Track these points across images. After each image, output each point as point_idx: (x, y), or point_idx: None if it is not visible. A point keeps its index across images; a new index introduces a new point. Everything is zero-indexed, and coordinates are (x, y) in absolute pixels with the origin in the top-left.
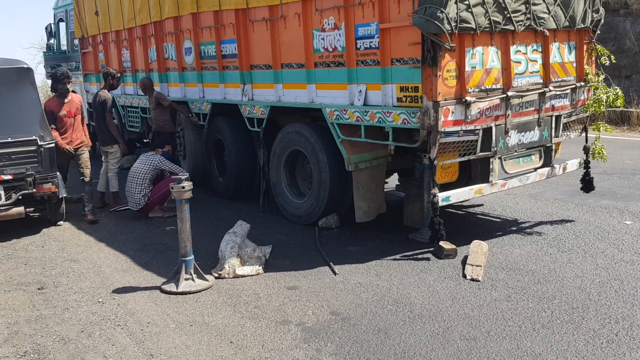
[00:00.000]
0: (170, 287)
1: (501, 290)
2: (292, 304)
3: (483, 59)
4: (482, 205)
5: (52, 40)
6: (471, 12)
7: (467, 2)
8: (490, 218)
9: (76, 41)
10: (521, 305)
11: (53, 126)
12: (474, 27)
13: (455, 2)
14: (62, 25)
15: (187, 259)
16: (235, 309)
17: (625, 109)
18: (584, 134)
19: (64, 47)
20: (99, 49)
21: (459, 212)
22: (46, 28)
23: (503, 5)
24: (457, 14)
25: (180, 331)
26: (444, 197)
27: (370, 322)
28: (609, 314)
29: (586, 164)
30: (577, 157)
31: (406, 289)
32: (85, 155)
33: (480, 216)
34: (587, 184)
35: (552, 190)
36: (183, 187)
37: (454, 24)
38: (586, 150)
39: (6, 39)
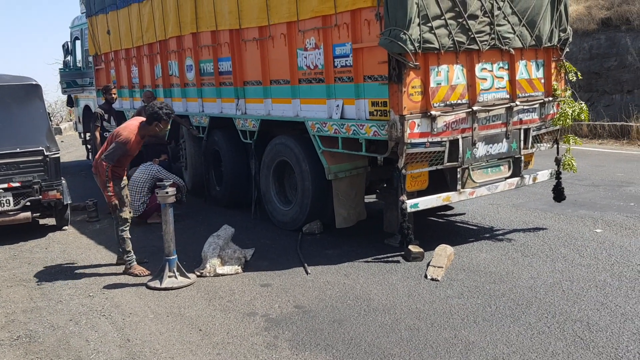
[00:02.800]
0: (155, 283)
1: (456, 288)
2: (262, 299)
3: (448, 76)
4: (464, 214)
5: (68, 58)
6: (434, 34)
7: (430, 24)
8: (468, 226)
9: (90, 58)
10: (470, 302)
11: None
12: (438, 47)
13: (418, 25)
14: (78, 43)
15: (171, 258)
16: (210, 303)
17: (625, 123)
18: (555, 146)
19: (79, 64)
20: (111, 65)
21: (440, 220)
22: (63, 46)
23: (467, 26)
24: (420, 35)
25: (157, 320)
26: (412, 204)
27: (328, 314)
28: (549, 310)
29: (557, 175)
30: (548, 167)
31: (369, 286)
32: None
33: (458, 224)
34: (558, 194)
35: (535, 200)
36: (167, 192)
37: (417, 45)
38: (557, 161)
39: (32, 54)
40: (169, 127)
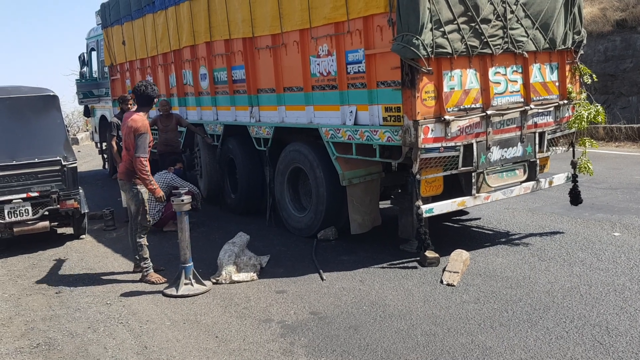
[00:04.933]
0: (171, 291)
1: (472, 293)
2: (278, 306)
3: (461, 80)
4: (479, 218)
5: (84, 69)
6: (447, 38)
7: (442, 29)
8: (483, 230)
9: (106, 69)
10: (486, 307)
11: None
12: (451, 51)
13: (431, 30)
14: (94, 54)
15: (187, 265)
16: (226, 310)
17: None
18: (571, 149)
19: (95, 75)
20: (126, 75)
21: (455, 225)
22: (79, 57)
23: (479, 30)
24: (432, 40)
25: (174, 328)
26: (427, 209)
27: (344, 320)
28: (567, 315)
29: (574, 178)
30: (565, 171)
31: (385, 292)
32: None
33: (474, 229)
34: (575, 197)
35: (551, 204)
36: (182, 200)
37: (430, 49)
38: (573, 164)
39: (50, 66)
40: (152, 104)
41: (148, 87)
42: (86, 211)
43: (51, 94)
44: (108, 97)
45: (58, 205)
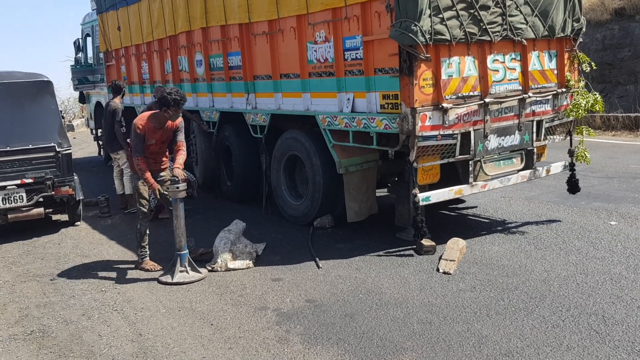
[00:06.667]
0: (166, 278)
1: (468, 282)
2: (273, 293)
3: (460, 67)
4: (476, 207)
5: (79, 54)
6: (445, 25)
7: (441, 16)
8: (480, 219)
9: (101, 55)
10: (482, 295)
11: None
12: (449, 38)
13: (430, 16)
14: (89, 40)
15: (182, 252)
16: (221, 297)
17: (639, 114)
18: (568, 138)
19: (90, 61)
20: (122, 62)
21: (452, 213)
22: (74, 43)
23: (478, 17)
24: (431, 26)
25: (169, 315)
26: (424, 197)
27: (340, 308)
28: (563, 303)
29: (571, 167)
30: (562, 160)
31: (381, 280)
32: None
33: (470, 217)
34: (572, 186)
35: (548, 193)
36: (177, 188)
37: (429, 36)
38: (571, 153)
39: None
40: (179, 113)
41: (171, 94)
42: (81, 198)
43: (45, 79)
44: (103, 84)
45: (53, 192)
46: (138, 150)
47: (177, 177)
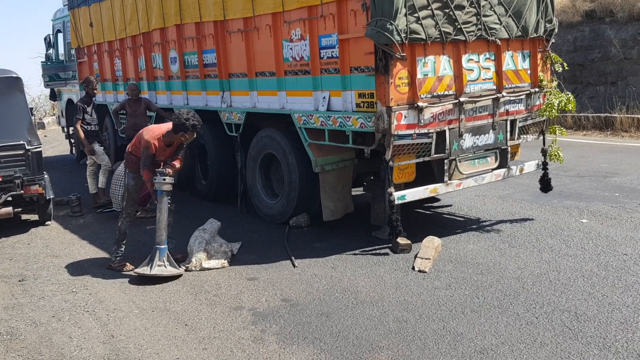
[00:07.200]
0: (144, 270)
1: (444, 280)
2: (249, 293)
3: (435, 67)
4: (450, 205)
5: (50, 51)
6: (421, 24)
7: (416, 15)
8: (455, 217)
9: (73, 51)
10: (457, 293)
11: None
12: (425, 37)
13: (405, 15)
14: (60, 36)
15: (162, 247)
16: (196, 297)
17: (609, 115)
18: (541, 137)
19: (61, 57)
20: (94, 58)
21: (427, 212)
22: (45, 39)
23: (453, 17)
24: (407, 25)
25: (142, 316)
26: (399, 196)
27: (316, 307)
28: (537, 301)
29: (544, 166)
30: (535, 159)
31: (357, 279)
32: None
33: (445, 215)
34: (545, 185)
35: (521, 191)
36: (164, 179)
37: (404, 35)
38: (544, 152)
39: (15, 48)
40: (194, 136)
41: (190, 120)
42: (52, 197)
43: (14, 75)
44: (75, 80)
45: (22, 191)
46: (146, 165)
47: (165, 170)
